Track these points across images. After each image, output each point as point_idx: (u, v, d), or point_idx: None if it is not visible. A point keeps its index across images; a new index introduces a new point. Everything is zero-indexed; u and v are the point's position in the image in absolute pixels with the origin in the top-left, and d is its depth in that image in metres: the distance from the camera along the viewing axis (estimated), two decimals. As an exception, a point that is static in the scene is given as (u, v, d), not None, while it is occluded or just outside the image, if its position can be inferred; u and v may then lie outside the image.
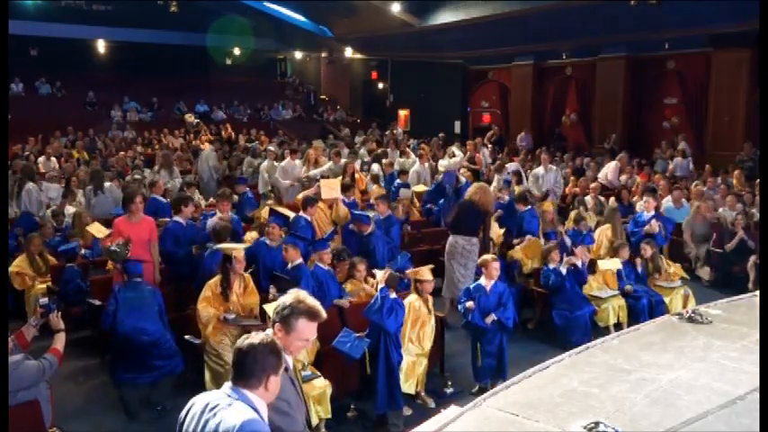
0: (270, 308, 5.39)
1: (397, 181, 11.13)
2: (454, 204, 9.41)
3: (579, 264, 7.35)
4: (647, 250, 7.91)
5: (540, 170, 12.25)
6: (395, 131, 18.13)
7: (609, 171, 13.10)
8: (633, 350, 3.34)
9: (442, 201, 10.19)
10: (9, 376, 4.06)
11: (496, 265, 6.26)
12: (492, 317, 6.07)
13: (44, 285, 7.66)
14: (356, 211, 8.34)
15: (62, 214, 9.43)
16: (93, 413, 5.85)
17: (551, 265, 7.42)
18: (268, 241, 7.06)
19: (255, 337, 2.52)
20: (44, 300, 4.68)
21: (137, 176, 11.68)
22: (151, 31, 22.75)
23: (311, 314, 2.80)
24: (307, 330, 2.80)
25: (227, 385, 2.51)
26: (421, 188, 11.08)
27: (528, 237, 8.45)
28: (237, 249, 6.07)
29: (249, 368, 2.47)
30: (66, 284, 7.39)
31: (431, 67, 21.80)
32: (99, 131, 18.84)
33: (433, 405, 5.80)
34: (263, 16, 23.17)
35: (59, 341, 4.46)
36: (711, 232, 9.84)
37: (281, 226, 7.36)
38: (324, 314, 2.85)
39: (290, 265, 6.46)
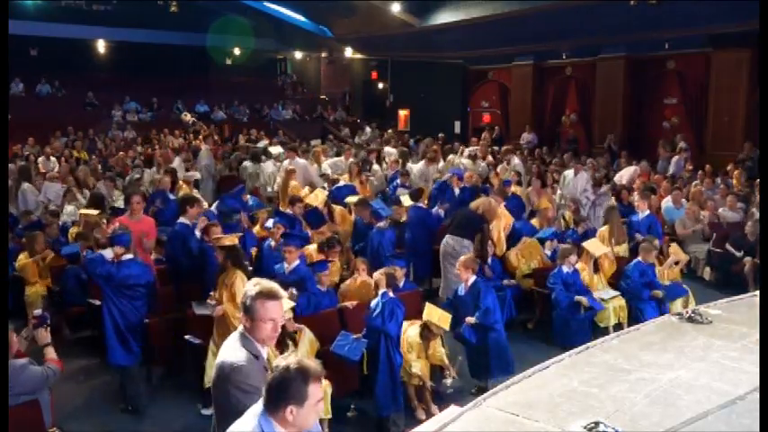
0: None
1: (397, 181, 11.11)
2: (455, 205, 9.47)
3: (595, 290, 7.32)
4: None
5: (569, 173, 11.41)
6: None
7: (626, 175, 12.94)
8: (633, 350, 3.34)
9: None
10: (15, 379, 4.07)
11: (463, 267, 6.30)
12: (471, 320, 6.09)
13: (44, 286, 7.67)
14: (375, 205, 8.42)
15: (59, 214, 9.42)
16: (94, 413, 5.87)
17: (565, 268, 7.36)
18: (273, 243, 7.08)
19: (286, 360, 2.43)
20: (38, 311, 4.69)
21: (136, 176, 11.69)
22: (151, 31, 22.72)
23: (266, 294, 2.84)
24: (268, 310, 2.84)
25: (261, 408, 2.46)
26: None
27: (524, 239, 8.44)
28: (231, 238, 6.10)
29: (271, 393, 2.39)
30: (66, 285, 7.39)
31: (431, 67, 21.80)
32: (99, 131, 18.84)
33: (437, 412, 5.79)
34: (263, 16, 23.17)
35: (51, 353, 4.41)
36: (711, 232, 9.84)
37: (286, 227, 7.37)
38: (282, 292, 2.91)
39: (288, 268, 6.45)
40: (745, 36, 13.32)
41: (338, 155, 13.53)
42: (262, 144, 15.72)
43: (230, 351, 2.88)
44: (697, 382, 2.94)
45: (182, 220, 7.36)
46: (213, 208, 8.54)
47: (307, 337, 5.75)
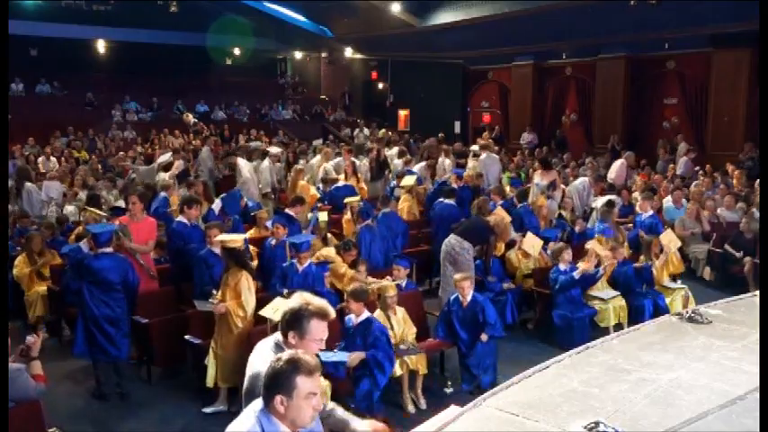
0: (268, 312, 5.40)
1: (393, 182, 11.12)
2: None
3: (592, 268, 7.27)
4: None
5: (581, 185, 10.61)
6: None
7: (614, 170, 12.94)
8: (633, 350, 3.34)
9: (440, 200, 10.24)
10: (11, 383, 4.07)
11: (466, 284, 6.36)
12: (485, 338, 6.15)
13: (44, 286, 7.67)
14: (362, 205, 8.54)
15: (67, 220, 9.39)
16: (94, 413, 5.86)
17: (561, 266, 7.38)
18: (273, 242, 7.14)
19: (281, 354, 2.49)
20: (31, 338, 4.71)
21: (132, 176, 11.67)
22: (151, 31, 22.71)
23: (321, 314, 2.81)
24: (320, 330, 2.82)
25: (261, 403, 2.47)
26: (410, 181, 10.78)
27: (526, 239, 8.43)
28: (236, 240, 6.11)
29: (264, 385, 2.43)
30: (66, 285, 7.38)
31: (431, 67, 21.80)
32: (99, 131, 18.83)
33: (424, 406, 5.81)
34: (264, 16, 23.16)
35: (38, 367, 4.41)
36: (712, 232, 9.84)
37: (285, 226, 7.41)
38: (333, 312, 2.87)
39: (300, 269, 6.45)
40: (745, 36, 13.32)
41: (338, 155, 13.56)
42: (254, 144, 15.73)
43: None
44: (697, 383, 2.94)
45: (180, 219, 7.42)
46: (214, 207, 8.55)
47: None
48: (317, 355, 5.26)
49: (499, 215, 8.08)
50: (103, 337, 5.92)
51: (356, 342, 5.46)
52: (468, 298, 6.33)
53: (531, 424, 2.62)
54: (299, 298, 2.87)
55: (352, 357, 5.33)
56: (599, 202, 10.13)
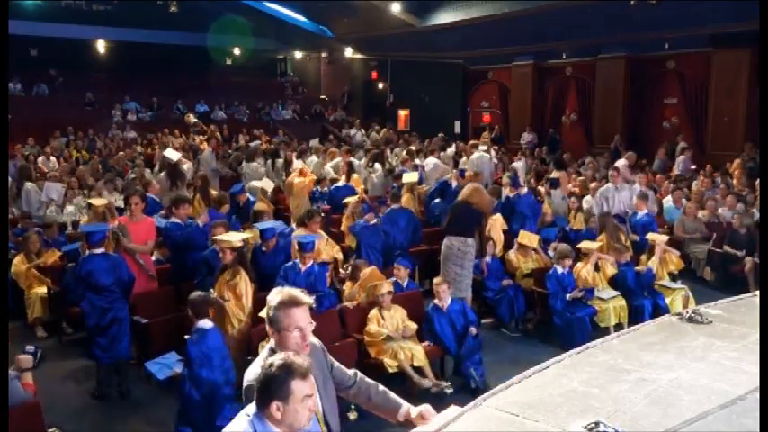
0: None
1: (393, 185, 11.15)
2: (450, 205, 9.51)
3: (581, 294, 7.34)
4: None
5: (609, 187, 9.66)
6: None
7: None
8: (633, 350, 3.34)
9: (438, 200, 10.26)
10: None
11: (444, 287, 6.44)
12: (474, 330, 6.29)
13: (44, 286, 7.67)
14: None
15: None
16: (94, 413, 5.86)
17: (559, 269, 7.37)
18: (264, 248, 7.08)
19: (272, 358, 2.44)
20: (30, 347, 4.77)
21: (132, 176, 11.66)
22: (151, 31, 22.74)
23: (288, 302, 2.69)
24: (293, 318, 2.67)
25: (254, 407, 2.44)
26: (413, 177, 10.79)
27: (521, 233, 8.42)
28: (238, 241, 6.12)
29: (258, 391, 2.39)
30: (66, 284, 7.39)
31: (431, 67, 21.80)
32: (99, 131, 18.83)
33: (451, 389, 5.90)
34: (263, 16, 23.17)
35: (28, 377, 4.50)
36: (711, 233, 9.84)
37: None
38: (303, 298, 2.74)
39: (303, 269, 6.45)
40: (745, 36, 13.32)
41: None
42: (253, 144, 15.74)
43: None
44: (697, 383, 2.94)
45: (173, 220, 7.47)
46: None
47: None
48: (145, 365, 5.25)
49: (469, 188, 7.75)
50: (106, 340, 5.94)
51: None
52: (447, 301, 6.37)
53: (531, 424, 2.61)
54: (274, 291, 2.80)
55: (177, 371, 5.16)
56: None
